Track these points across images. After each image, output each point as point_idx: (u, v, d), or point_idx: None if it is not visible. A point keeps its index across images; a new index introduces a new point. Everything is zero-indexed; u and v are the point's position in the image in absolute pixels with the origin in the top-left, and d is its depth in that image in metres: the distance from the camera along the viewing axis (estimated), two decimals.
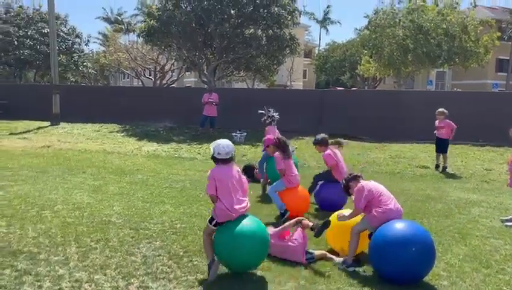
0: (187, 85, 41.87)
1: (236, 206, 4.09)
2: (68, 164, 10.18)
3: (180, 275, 4.19)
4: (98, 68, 43.71)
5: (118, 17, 51.39)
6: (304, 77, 52.70)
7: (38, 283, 3.91)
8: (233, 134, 14.74)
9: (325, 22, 60.47)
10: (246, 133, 14.96)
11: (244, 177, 4.33)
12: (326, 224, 4.78)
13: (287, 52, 20.59)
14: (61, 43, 30.30)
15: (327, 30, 62.51)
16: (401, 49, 25.49)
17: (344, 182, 4.92)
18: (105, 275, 4.14)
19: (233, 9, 18.81)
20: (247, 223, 4.09)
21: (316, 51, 57.05)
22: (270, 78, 30.98)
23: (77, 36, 32.89)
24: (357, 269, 4.45)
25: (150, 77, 35.20)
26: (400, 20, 26.38)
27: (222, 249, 4.06)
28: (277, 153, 6.51)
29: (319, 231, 4.75)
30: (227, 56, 20.11)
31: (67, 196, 7.06)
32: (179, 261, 4.51)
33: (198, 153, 12.41)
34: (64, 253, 4.63)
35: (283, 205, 6.16)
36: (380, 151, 13.03)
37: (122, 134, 15.89)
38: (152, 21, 19.20)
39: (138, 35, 21.86)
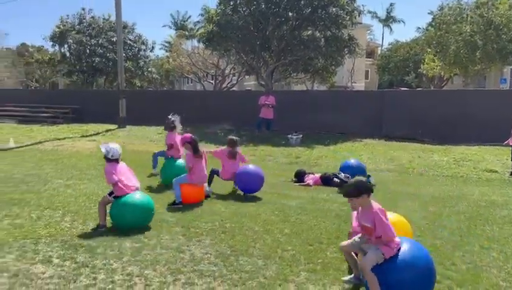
0: (247, 88, 42.44)
1: (131, 184, 5.75)
2: (132, 164, 10.69)
3: (226, 274, 4.28)
4: (163, 73, 45.60)
5: (183, 23, 53.30)
6: (366, 77, 51.38)
7: (94, 275, 4.17)
8: (289, 136, 14.74)
9: (387, 20, 58.60)
10: (302, 136, 14.89)
11: (127, 167, 5.96)
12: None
13: (346, 53, 20.24)
14: (128, 50, 31.94)
15: (391, 29, 60.39)
16: (469, 46, 24.05)
17: (356, 184, 3.82)
18: (155, 270, 4.32)
19: (290, 12, 18.83)
20: (135, 196, 5.68)
21: (379, 51, 55.42)
22: (330, 79, 30.58)
23: (143, 43, 34.51)
24: None
25: (211, 81, 36.10)
26: (467, 15, 24.94)
27: (116, 212, 5.60)
28: (188, 152, 7.10)
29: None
30: (285, 58, 20.15)
31: None
32: (225, 260, 4.60)
33: (253, 155, 12.53)
34: (120, 248, 4.89)
35: (179, 196, 6.76)
36: (443, 154, 12.40)
37: None
38: (212, 26, 19.72)
39: (199, 41, 22.53)
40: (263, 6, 18.73)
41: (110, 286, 3.95)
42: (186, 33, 43.47)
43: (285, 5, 18.45)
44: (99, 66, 31.09)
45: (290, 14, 18.95)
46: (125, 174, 5.82)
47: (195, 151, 7.09)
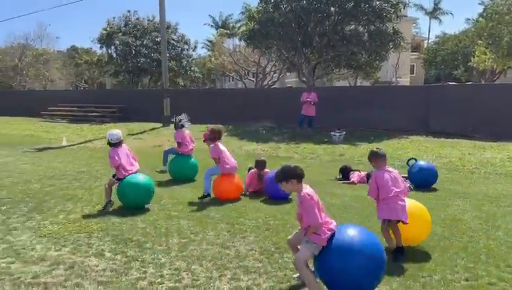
0: (288, 85, 42.27)
1: (129, 168, 6.52)
2: None
3: (271, 270, 4.28)
4: (205, 72, 46.25)
5: (225, 22, 53.85)
6: (411, 72, 49.81)
7: (144, 269, 4.30)
8: (332, 133, 14.55)
9: (435, 12, 56.45)
10: (345, 133, 14.66)
11: (131, 152, 6.83)
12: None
13: (391, 47, 19.71)
14: (172, 50, 32.65)
15: (440, 20, 57.92)
16: None
17: (283, 169, 3.85)
18: (201, 265, 4.40)
19: (332, 7, 18.58)
20: (138, 177, 6.55)
21: (425, 44, 53.55)
22: (373, 74, 29.90)
23: (186, 43, 35.15)
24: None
25: (252, 79, 36.25)
26: None
27: (122, 192, 6.44)
28: (214, 144, 7.25)
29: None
30: (327, 54, 19.90)
31: (171, 192, 7.63)
32: (270, 257, 4.61)
33: (296, 153, 12.48)
34: (167, 243, 5.02)
35: (208, 188, 7.07)
36: (496, 151, 11.82)
37: (225, 134, 16.57)
38: (253, 24, 19.79)
39: (240, 39, 22.66)
40: (304, 2, 18.59)
41: (159, 280, 4.06)
42: (228, 32, 43.84)
43: (327, 0, 18.20)
44: (144, 66, 31.98)
45: (332, 9, 18.68)
46: (125, 158, 6.58)
47: (219, 138, 7.41)
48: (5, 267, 4.30)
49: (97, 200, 6.94)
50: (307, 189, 3.77)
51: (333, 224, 3.70)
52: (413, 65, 50.42)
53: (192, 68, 36.39)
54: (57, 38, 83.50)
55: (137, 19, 33.93)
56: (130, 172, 6.54)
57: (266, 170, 7.72)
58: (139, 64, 31.76)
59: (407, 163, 8.35)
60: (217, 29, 52.31)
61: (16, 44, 45.46)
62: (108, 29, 32.97)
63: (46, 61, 46.55)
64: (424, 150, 12.39)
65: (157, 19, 31.99)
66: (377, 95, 17.96)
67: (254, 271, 4.26)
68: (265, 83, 34.94)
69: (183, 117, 9.17)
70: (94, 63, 43.11)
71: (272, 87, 34.45)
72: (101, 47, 35.44)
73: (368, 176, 8.52)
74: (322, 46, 19.54)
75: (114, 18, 33.92)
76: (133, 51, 31.76)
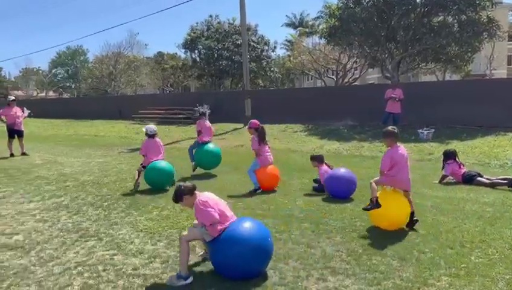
0: (369, 82, 41.03)
1: (154, 158, 8.05)
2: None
3: (359, 272, 4.19)
4: (284, 72, 46.50)
5: (302, 21, 53.72)
6: (509, 63, 45.72)
7: None
8: (420, 131, 13.84)
9: None
10: (433, 130, 13.86)
11: (161, 144, 8.36)
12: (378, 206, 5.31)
13: (485, 37, 18.24)
14: (252, 52, 33.27)
15: None
16: None
17: (175, 192, 4.38)
18: (287, 264, 4.43)
19: None
20: (160, 163, 8.08)
21: None
22: (464, 68, 27.88)
23: (265, 44, 35.62)
24: None
25: (332, 77, 35.72)
26: None
27: (146, 176, 8.04)
28: (253, 136, 7.83)
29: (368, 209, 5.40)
30: (412, 48, 18.97)
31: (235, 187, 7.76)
32: (358, 259, 4.51)
33: (380, 152, 12.05)
34: None
35: (257, 182, 7.57)
36: None
37: (305, 133, 16.59)
38: (333, 21, 19.48)
39: (320, 37, 22.45)
40: None
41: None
42: (307, 30, 43.65)
43: None
44: (226, 69, 32.96)
45: (418, 0, 17.75)
46: (153, 148, 8.14)
47: (262, 140, 7.86)
48: (109, 259, 4.69)
49: None
50: (200, 197, 4.30)
51: (230, 221, 4.24)
52: (511, 56, 46.22)
53: (272, 69, 36.78)
54: (146, 46, 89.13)
55: (219, 22, 35.06)
56: (153, 160, 8.02)
57: (326, 166, 7.70)
58: (221, 67, 32.80)
59: None
60: (295, 28, 52.34)
61: (110, 53, 49.36)
62: (192, 34, 34.49)
63: (136, 68, 49.97)
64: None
65: (237, 22, 32.82)
66: (468, 89, 16.72)
67: (341, 272, 4.20)
68: (345, 80, 34.26)
69: (205, 108, 9.70)
70: (179, 67, 45.41)
71: (353, 84, 33.66)
72: (186, 52, 37.22)
73: (464, 176, 7.96)
74: (407, 40, 18.65)
75: (197, 23, 35.43)
76: (215, 54, 32.86)
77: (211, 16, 35.39)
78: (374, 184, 5.42)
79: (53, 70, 70.89)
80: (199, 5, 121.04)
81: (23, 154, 13.17)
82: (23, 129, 13.55)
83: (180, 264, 4.17)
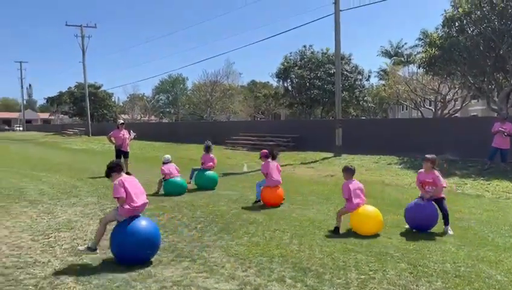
0: (472, 114, 38.22)
1: (173, 175, 10.74)
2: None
3: None
4: (378, 101, 45.28)
5: (398, 50, 52.23)
6: None
7: None
8: None
9: None
10: None
11: (176, 167, 10.98)
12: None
13: None
14: (345, 81, 33.01)
15: None
16: None
17: (107, 166, 5.86)
18: None
19: None
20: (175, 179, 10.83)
21: None
22: None
23: (359, 73, 35.15)
24: None
25: (430, 108, 33.93)
26: None
27: (165, 188, 10.75)
28: (264, 163, 9.33)
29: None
30: None
31: (347, 224, 7.50)
32: None
33: (487, 191, 11.04)
34: (346, 277, 4.92)
35: (259, 195, 9.26)
36: None
37: (400, 166, 15.81)
38: (433, 50, 18.64)
39: (418, 66, 21.58)
40: (496, 23, 16.70)
41: None
42: (402, 59, 42.29)
43: None
44: (317, 98, 33.02)
45: None
46: (170, 168, 10.74)
47: (273, 158, 9.40)
48: (202, 281, 4.81)
49: (276, 226, 7.29)
50: (123, 177, 5.52)
51: (138, 204, 5.39)
52: None
53: (364, 98, 36.06)
54: (240, 74, 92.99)
55: (312, 52, 35.47)
56: (173, 176, 10.66)
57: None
58: (312, 96, 32.96)
59: None
60: (390, 57, 51.01)
61: (208, 81, 52.26)
62: (285, 64, 35.27)
63: (230, 95, 52.20)
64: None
65: (331, 52, 32.88)
66: None
67: None
68: (445, 111, 32.32)
69: (208, 143, 12.10)
70: (271, 95, 46.48)
71: (454, 116, 31.62)
72: (278, 81, 38.04)
73: None
74: None
75: (291, 53, 36.22)
76: (307, 83, 33.17)
77: (304, 46, 36.00)
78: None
79: (156, 97, 76.84)
80: (292, 36, 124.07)
81: (127, 173, 14.25)
82: (129, 150, 14.73)
83: (94, 239, 5.49)
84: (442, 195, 7.25)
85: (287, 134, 25.20)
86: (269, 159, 9.31)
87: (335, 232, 6.74)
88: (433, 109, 33.21)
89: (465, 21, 17.82)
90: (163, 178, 10.78)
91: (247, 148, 25.55)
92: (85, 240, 6.37)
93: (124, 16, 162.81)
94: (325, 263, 5.39)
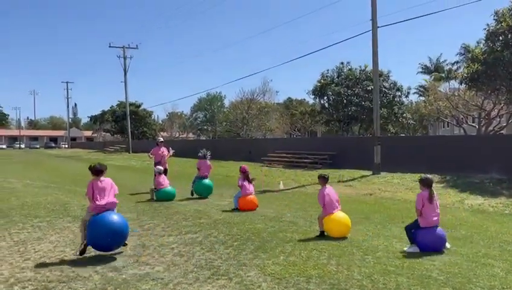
0: None
1: (164, 185, 12.72)
2: (388, 213, 10.57)
3: None
4: (417, 118, 44.18)
5: (438, 65, 51.02)
6: None
7: None
8: None
9: None
10: None
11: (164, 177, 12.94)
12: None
13: None
14: (383, 98, 32.45)
15: None
16: None
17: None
18: None
19: None
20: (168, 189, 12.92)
21: None
22: None
23: (398, 89, 34.50)
24: None
25: (473, 124, 32.73)
26: None
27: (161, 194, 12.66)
28: (240, 177, 11.06)
29: None
30: None
31: (387, 244, 7.29)
32: None
33: None
34: None
35: (236, 204, 10.87)
36: None
37: (442, 185, 15.26)
38: (476, 65, 18.08)
39: (460, 82, 20.96)
40: None
41: None
42: (443, 75, 41.25)
43: None
44: (355, 115, 32.60)
45: None
46: (164, 180, 12.66)
47: (246, 178, 10.98)
48: None
49: (313, 245, 7.17)
50: (95, 179, 6.43)
51: (102, 203, 6.30)
52: None
53: (404, 115, 35.28)
54: (277, 92, 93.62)
55: (350, 69, 35.20)
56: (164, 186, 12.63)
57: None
58: (349, 113, 32.58)
59: None
60: (429, 74, 49.89)
61: (244, 99, 52.85)
62: (322, 81, 35.15)
63: (266, 113, 52.48)
64: None
65: (369, 68, 32.53)
66: None
67: None
68: (490, 128, 31.04)
69: (205, 152, 13.41)
70: (308, 112, 46.35)
71: (499, 133, 30.31)
72: (315, 98, 37.88)
73: None
74: None
75: (328, 70, 36.07)
76: (344, 100, 32.83)
77: (342, 63, 35.77)
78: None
79: (194, 114, 78.43)
80: (328, 53, 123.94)
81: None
82: (167, 167, 15.03)
83: (80, 232, 6.68)
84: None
85: (324, 151, 24.92)
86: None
87: (320, 236, 7.68)
88: (477, 126, 31.97)
89: (509, 35, 17.23)
90: (154, 188, 12.63)
91: (283, 166, 25.47)
92: (124, 256, 6.51)
93: (163, 37, 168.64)
94: (364, 285, 5.23)
